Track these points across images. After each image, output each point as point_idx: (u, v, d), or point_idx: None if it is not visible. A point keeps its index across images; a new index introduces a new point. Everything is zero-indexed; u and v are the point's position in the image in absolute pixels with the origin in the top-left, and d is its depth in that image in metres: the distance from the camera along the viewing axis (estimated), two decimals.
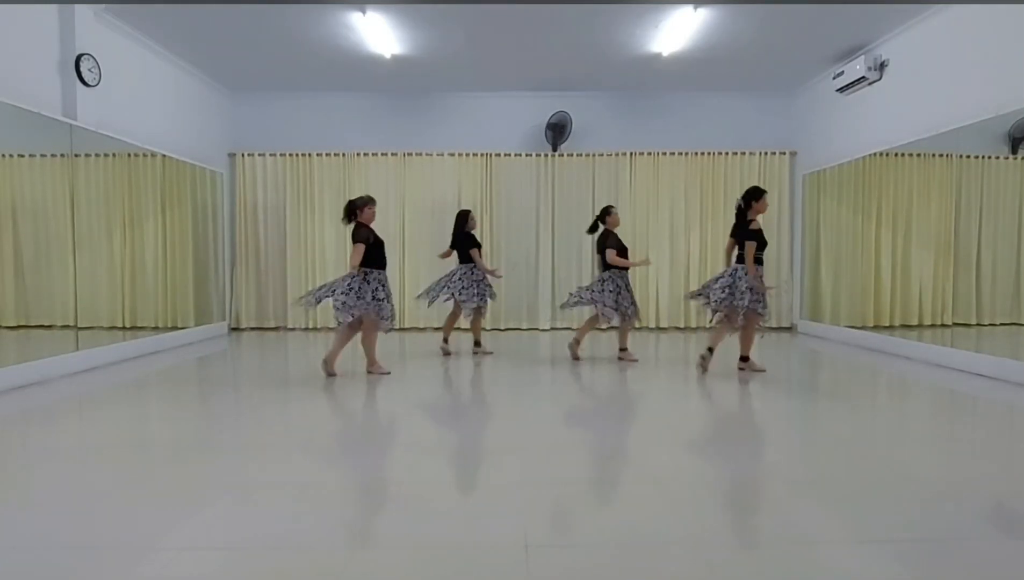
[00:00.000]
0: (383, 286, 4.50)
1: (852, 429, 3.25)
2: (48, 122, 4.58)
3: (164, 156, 6.15)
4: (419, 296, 5.71)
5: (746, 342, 4.68)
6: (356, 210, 4.49)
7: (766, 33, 5.74)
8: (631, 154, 7.61)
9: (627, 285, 5.18)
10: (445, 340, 5.80)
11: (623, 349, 5.34)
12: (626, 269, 5.19)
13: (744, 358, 4.71)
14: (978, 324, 4.95)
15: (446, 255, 5.72)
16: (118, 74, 5.46)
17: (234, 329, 7.64)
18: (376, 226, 4.59)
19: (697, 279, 7.64)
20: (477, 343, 5.76)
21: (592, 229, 5.33)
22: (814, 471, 2.62)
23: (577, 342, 5.38)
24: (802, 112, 7.49)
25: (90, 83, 5.01)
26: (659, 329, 7.65)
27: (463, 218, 5.62)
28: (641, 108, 7.66)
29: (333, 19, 5.41)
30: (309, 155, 7.60)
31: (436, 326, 7.55)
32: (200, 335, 6.71)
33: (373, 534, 1.99)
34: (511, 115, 7.63)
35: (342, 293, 4.35)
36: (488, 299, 5.62)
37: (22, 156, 4.54)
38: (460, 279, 5.47)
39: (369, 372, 4.63)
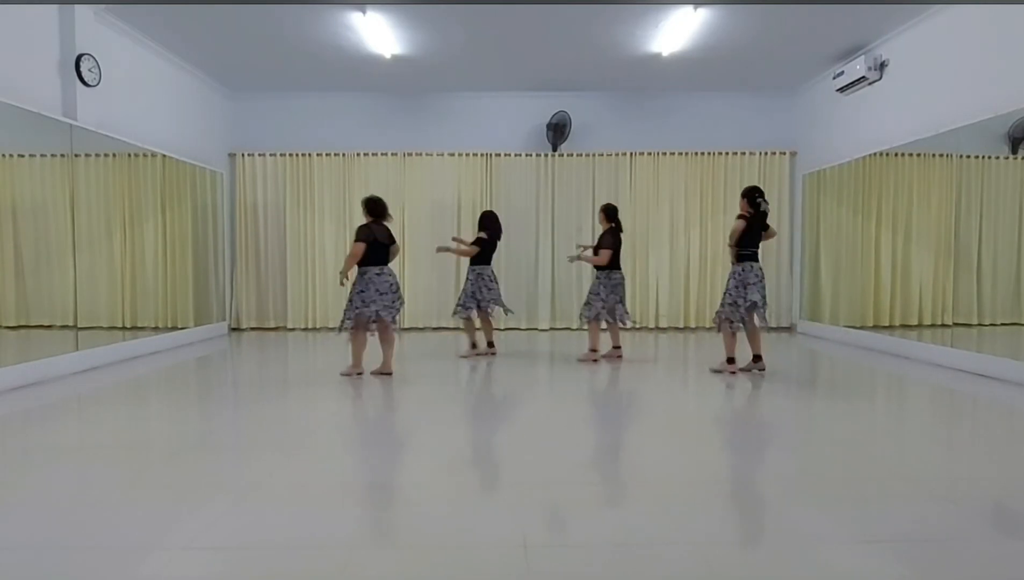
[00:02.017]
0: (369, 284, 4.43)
1: (852, 429, 3.25)
2: (48, 122, 4.58)
3: (164, 156, 6.15)
4: (457, 313, 5.53)
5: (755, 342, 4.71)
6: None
7: (766, 33, 5.74)
8: (631, 154, 7.61)
9: (603, 283, 5.16)
10: (475, 344, 5.68)
11: (616, 346, 5.43)
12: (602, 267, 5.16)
13: (757, 357, 4.72)
14: (979, 324, 4.95)
15: (468, 253, 5.51)
16: (118, 74, 5.46)
17: (234, 329, 7.64)
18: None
19: (697, 279, 7.64)
20: (473, 345, 5.65)
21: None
22: (814, 471, 2.61)
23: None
24: (802, 112, 7.49)
25: (90, 83, 5.01)
26: (659, 329, 7.64)
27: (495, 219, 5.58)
28: (641, 108, 7.66)
29: (333, 19, 5.41)
30: (309, 155, 7.61)
31: (434, 326, 7.58)
32: (200, 335, 6.71)
33: (373, 534, 1.99)
34: (511, 115, 7.63)
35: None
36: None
37: (22, 156, 4.54)
38: (493, 281, 5.50)
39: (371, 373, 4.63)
